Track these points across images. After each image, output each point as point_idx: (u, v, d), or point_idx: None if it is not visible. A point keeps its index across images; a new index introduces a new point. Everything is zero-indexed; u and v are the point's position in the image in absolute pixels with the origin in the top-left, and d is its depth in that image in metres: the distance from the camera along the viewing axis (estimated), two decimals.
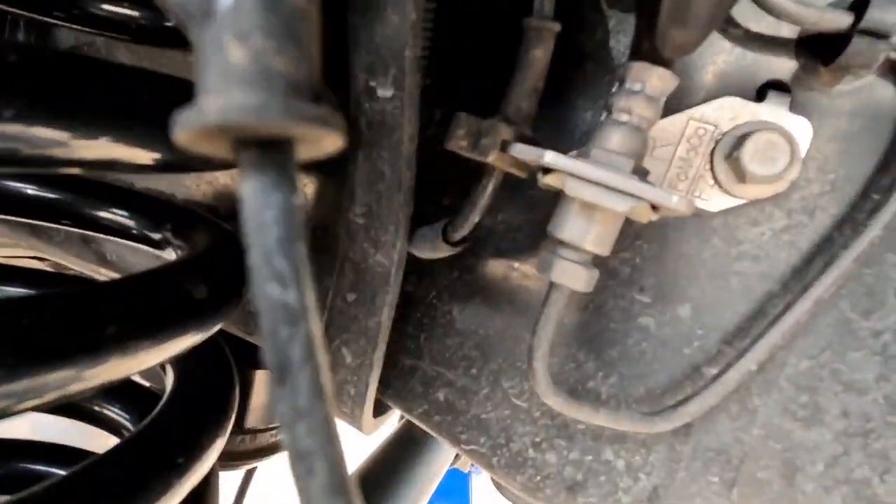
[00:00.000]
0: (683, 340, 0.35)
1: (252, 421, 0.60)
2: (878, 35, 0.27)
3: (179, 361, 0.38)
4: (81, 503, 0.25)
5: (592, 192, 0.25)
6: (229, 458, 0.60)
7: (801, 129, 0.31)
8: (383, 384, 0.45)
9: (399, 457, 1.05)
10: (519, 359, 0.39)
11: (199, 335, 0.28)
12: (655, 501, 0.35)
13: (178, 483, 0.29)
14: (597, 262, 0.30)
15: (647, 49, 0.25)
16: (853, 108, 0.31)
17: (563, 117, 0.35)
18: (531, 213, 0.39)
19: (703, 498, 0.35)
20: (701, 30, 0.24)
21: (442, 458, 1.18)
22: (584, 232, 0.27)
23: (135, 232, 0.41)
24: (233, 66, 0.11)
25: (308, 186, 0.49)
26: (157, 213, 0.41)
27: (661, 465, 0.35)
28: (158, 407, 0.33)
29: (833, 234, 0.32)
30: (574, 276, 0.28)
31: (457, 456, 1.29)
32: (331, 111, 0.12)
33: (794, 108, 0.31)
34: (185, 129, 0.11)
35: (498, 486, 0.48)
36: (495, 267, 0.40)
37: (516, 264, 0.40)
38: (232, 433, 0.62)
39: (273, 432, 0.64)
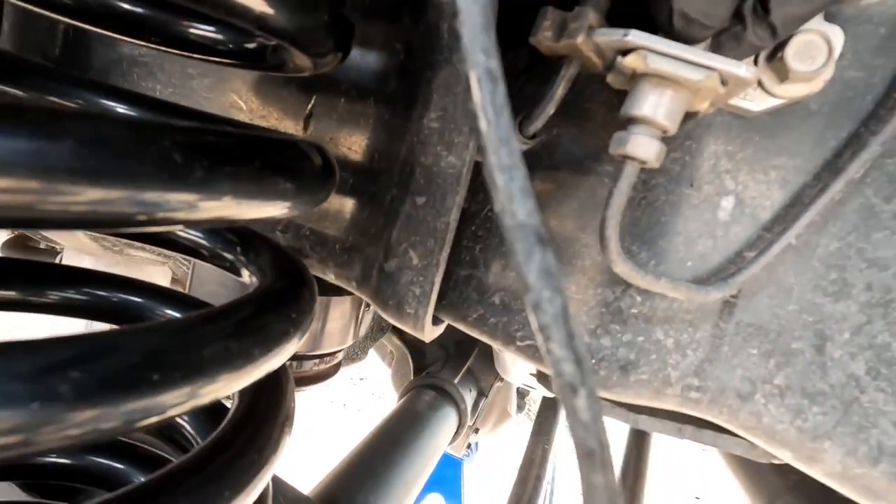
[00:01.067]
0: (727, 228, 0.39)
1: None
2: None
3: None
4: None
5: (671, 65, 0.29)
6: None
7: (835, 33, 0.35)
8: (439, 296, 0.49)
9: (399, 435, 1.07)
10: (574, 256, 0.43)
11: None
12: (701, 374, 0.40)
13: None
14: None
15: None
16: (880, 18, 0.36)
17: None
18: (584, 126, 0.43)
19: (744, 368, 0.39)
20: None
21: (440, 437, 1.21)
22: (657, 107, 0.31)
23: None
24: None
25: (363, 118, 0.52)
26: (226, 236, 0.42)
27: (706, 342, 0.40)
28: None
29: (860, 129, 0.36)
30: (647, 149, 0.32)
31: (454, 438, 1.33)
32: None
33: (826, 16, 0.36)
34: None
35: (543, 377, 0.52)
36: (546, 176, 0.44)
37: (567, 173, 0.44)
38: None
39: (316, 361, 0.66)
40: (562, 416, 1.58)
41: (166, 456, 0.51)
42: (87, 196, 0.19)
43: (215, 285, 0.62)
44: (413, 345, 1.53)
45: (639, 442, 1.26)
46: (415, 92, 0.44)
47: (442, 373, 1.40)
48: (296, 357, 0.64)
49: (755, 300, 0.39)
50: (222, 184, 0.22)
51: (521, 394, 1.81)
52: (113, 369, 0.21)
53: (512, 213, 0.16)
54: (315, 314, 0.37)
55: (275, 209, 0.27)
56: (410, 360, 1.51)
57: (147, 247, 0.99)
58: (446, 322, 0.52)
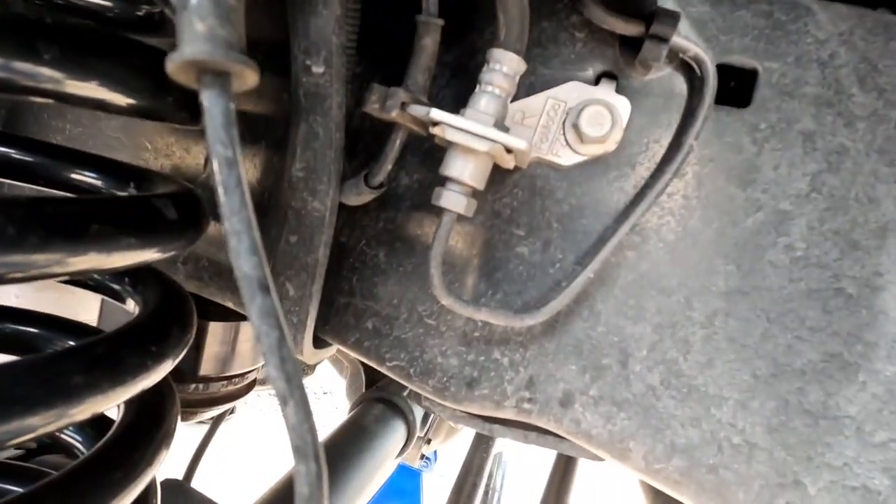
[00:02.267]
0: (548, 263, 0.46)
1: (205, 370, 0.67)
2: (660, 39, 0.40)
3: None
4: None
5: (463, 137, 0.36)
6: (184, 406, 0.66)
7: (622, 104, 0.43)
8: (322, 321, 0.54)
9: (347, 444, 1.11)
10: (429, 287, 0.49)
11: None
12: (531, 388, 0.46)
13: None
14: (482, 205, 0.41)
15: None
16: (659, 91, 0.44)
17: (464, 95, 0.46)
18: (438, 174, 0.49)
19: (565, 382, 0.46)
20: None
21: (386, 449, 1.24)
22: (464, 169, 0.38)
23: None
24: (197, 33, 0.21)
25: (257, 159, 0.57)
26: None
27: (534, 359, 0.46)
28: None
29: (646, 182, 0.44)
30: (457, 203, 0.39)
31: (402, 450, 1.37)
32: (248, 60, 0.22)
33: (619, 90, 0.44)
34: (174, 62, 0.20)
35: (416, 396, 0.58)
36: (411, 217, 0.51)
37: (428, 213, 0.50)
38: (186, 382, 0.68)
39: (224, 382, 0.70)
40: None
41: (46, 470, 0.54)
42: None
43: (125, 314, 0.65)
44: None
45: (565, 467, 1.31)
46: (286, 142, 0.50)
47: (392, 386, 1.43)
48: (203, 379, 0.68)
49: (572, 324, 0.46)
50: (61, 247, 0.27)
51: None
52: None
53: (239, 267, 0.21)
54: (186, 345, 0.41)
55: (118, 260, 0.32)
56: (363, 374, 1.54)
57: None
58: (333, 345, 0.57)
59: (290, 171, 0.47)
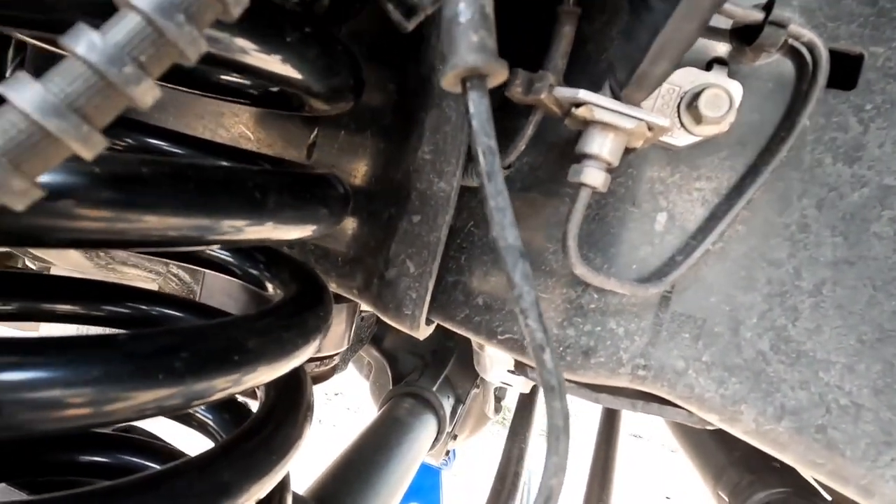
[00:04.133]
0: (662, 238, 0.49)
1: None
2: (780, 25, 0.43)
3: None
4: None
5: (611, 116, 0.39)
6: None
7: (735, 88, 0.46)
8: (430, 299, 0.57)
9: (382, 441, 1.12)
10: (542, 263, 0.52)
11: None
12: (646, 356, 0.49)
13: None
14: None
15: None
16: (768, 76, 0.47)
17: (574, 79, 0.49)
18: (547, 156, 0.52)
19: (679, 349, 0.49)
20: (653, 89, 0.38)
21: (421, 442, 1.26)
22: (602, 146, 0.41)
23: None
24: (473, 43, 0.23)
25: (363, 147, 0.60)
26: None
27: (649, 329, 0.49)
28: None
29: (756, 160, 0.47)
30: (596, 178, 0.42)
31: (433, 443, 1.39)
32: (504, 62, 0.25)
33: (730, 75, 0.47)
34: (456, 68, 0.23)
35: (521, 367, 0.60)
36: (521, 198, 0.53)
37: (538, 194, 0.53)
38: None
39: (317, 363, 0.73)
40: (536, 417, 1.66)
41: (176, 449, 0.57)
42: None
43: (224, 296, 0.68)
44: (390, 355, 1.58)
45: (608, 430, 1.36)
46: (408, 127, 0.53)
47: (420, 381, 1.45)
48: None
49: (685, 294, 0.49)
50: (288, 213, 0.30)
51: (497, 398, 1.88)
52: (208, 351, 0.29)
53: (504, 238, 0.24)
54: (330, 322, 0.44)
55: (315, 229, 0.35)
56: (389, 371, 1.56)
57: (139, 264, 1.03)
58: (436, 322, 0.60)
59: (415, 154, 0.50)
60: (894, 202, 0.46)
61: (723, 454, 0.89)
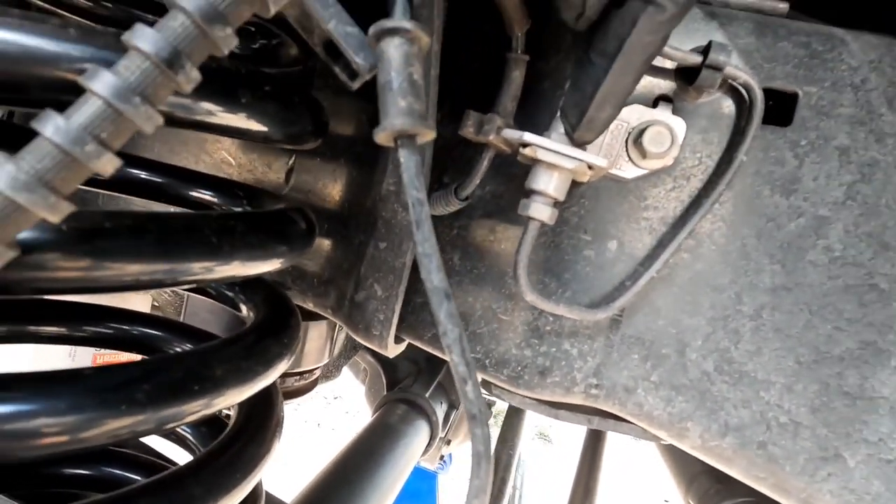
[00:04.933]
0: (612, 264, 0.52)
1: None
2: (716, 68, 0.46)
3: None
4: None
5: (553, 157, 0.42)
6: None
7: (678, 125, 0.49)
8: (400, 320, 0.60)
9: (373, 447, 1.15)
10: (503, 287, 0.55)
11: None
12: (598, 375, 0.52)
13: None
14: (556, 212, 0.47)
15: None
16: (709, 112, 0.50)
17: (531, 114, 0.52)
18: (508, 186, 0.55)
19: (629, 369, 0.52)
20: (601, 131, 0.41)
21: (413, 448, 1.29)
22: (548, 183, 0.44)
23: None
24: (401, 108, 0.26)
25: (337, 174, 0.64)
26: None
27: (601, 350, 0.52)
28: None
29: (700, 192, 0.50)
30: (542, 213, 0.45)
31: (426, 449, 1.42)
32: (431, 124, 0.28)
33: (674, 112, 0.50)
34: (385, 130, 0.26)
35: (487, 385, 0.63)
36: (483, 224, 0.57)
37: (499, 221, 0.56)
38: None
39: (296, 378, 0.76)
40: (525, 425, 1.69)
41: (163, 463, 0.60)
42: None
43: (206, 313, 0.71)
44: (385, 361, 1.61)
45: (594, 445, 1.38)
46: (375, 159, 0.56)
47: (413, 387, 1.48)
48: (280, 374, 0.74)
49: (635, 318, 0.52)
50: (243, 253, 0.33)
51: (488, 404, 1.91)
52: (169, 381, 0.32)
53: (430, 281, 0.27)
54: (298, 342, 0.47)
55: (274, 265, 0.38)
56: (383, 376, 1.59)
57: None
58: (406, 340, 0.63)
59: (381, 186, 0.53)
60: (829, 232, 0.48)
61: (695, 463, 0.92)
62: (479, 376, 0.58)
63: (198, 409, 0.33)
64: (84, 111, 0.23)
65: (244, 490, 0.42)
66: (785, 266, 0.49)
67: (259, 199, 0.52)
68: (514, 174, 0.55)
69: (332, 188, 0.63)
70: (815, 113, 0.48)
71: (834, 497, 0.49)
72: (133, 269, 0.29)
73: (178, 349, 0.54)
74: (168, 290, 1.04)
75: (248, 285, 0.51)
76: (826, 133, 0.48)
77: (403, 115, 0.26)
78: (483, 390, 0.66)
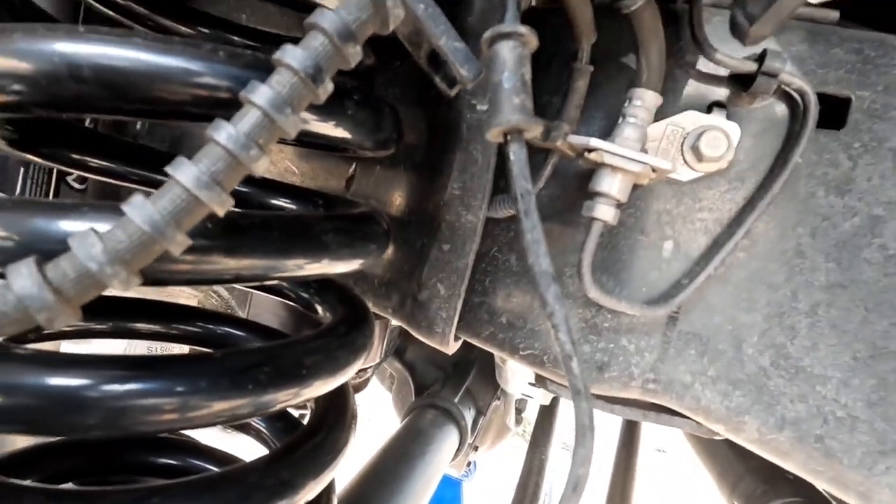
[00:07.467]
0: (668, 264, 0.54)
1: None
2: (771, 75, 0.48)
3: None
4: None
5: (619, 160, 0.45)
6: None
7: (733, 129, 0.51)
8: (458, 318, 0.63)
9: (405, 451, 1.17)
10: (561, 286, 0.58)
11: None
12: (655, 370, 0.54)
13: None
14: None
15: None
16: (762, 117, 0.52)
17: (595, 119, 0.55)
18: (565, 189, 0.58)
19: (686, 364, 0.54)
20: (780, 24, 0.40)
21: (443, 453, 1.31)
22: (612, 185, 0.47)
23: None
24: (515, 105, 0.30)
25: (396, 181, 0.67)
26: None
27: (658, 346, 0.54)
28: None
29: (754, 193, 0.52)
30: (606, 213, 0.47)
31: (455, 454, 1.43)
32: (539, 119, 0.31)
33: (728, 117, 0.52)
34: (500, 126, 0.29)
35: (541, 380, 0.66)
36: (543, 227, 0.59)
37: (555, 224, 0.59)
38: None
39: (355, 375, 0.80)
40: (556, 429, 1.69)
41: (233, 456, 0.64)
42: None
43: (269, 314, 0.75)
44: (412, 367, 1.63)
45: (629, 441, 1.38)
46: (438, 165, 0.59)
47: (442, 393, 1.50)
48: None
49: (691, 315, 0.54)
50: (345, 251, 0.37)
51: (518, 410, 1.92)
52: (285, 365, 0.35)
53: (539, 265, 0.30)
54: (373, 340, 0.51)
55: (366, 263, 0.42)
56: (411, 382, 1.61)
57: None
58: (463, 338, 0.66)
59: (445, 191, 0.56)
60: (883, 230, 0.50)
61: (740, 464, 0.92)
62: (538, 372, 0.60)
63: (306, 392, 0.36)
64: (247, 120, 0.27)
65: (329, 474, 0.45)
66: (840, 264, 0.51)
67: (335, 205, 0.56)
68: (571, 178, 0.57)
69: (393, 194, 0.67)
70: (869, 116, 0.50)
71: (893, 490, 0.50)
72: (262, 264, 0.32)
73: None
74: (215, 295, 1.09)
75: (323, 286, 0.54)
76: (880, 135, 0.50)
77: (517, 111, 0.29)
78: (539, 385, 0.68)
